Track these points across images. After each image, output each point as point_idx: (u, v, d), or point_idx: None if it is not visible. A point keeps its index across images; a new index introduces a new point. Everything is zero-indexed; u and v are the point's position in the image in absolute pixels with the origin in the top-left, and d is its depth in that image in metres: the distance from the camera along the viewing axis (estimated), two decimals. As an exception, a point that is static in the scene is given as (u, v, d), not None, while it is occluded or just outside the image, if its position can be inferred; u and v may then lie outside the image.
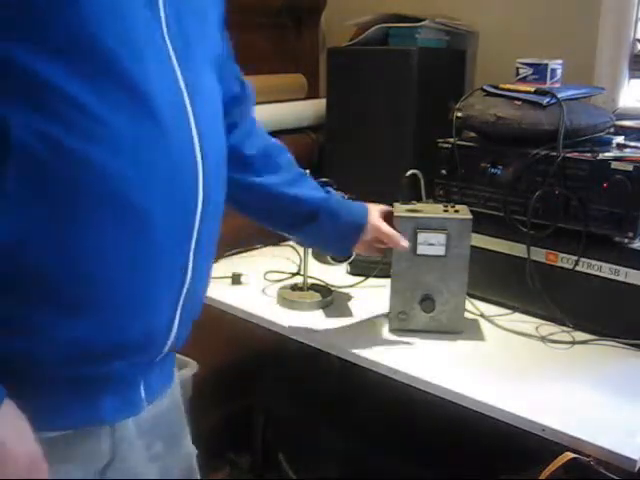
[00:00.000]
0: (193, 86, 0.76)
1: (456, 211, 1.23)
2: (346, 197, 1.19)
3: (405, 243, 1.16)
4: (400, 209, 1.23)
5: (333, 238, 1.16)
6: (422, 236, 1.19)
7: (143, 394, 0.83)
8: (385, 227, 1.16)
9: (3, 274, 0.67)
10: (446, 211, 1.22)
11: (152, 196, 0.71)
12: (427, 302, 1.22)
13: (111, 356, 0.75)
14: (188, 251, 0.78)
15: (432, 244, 1.19)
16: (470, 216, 1.21)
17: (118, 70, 0.68)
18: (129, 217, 0.70)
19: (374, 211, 1.18)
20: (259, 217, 1.16)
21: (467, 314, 1.33)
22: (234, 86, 1.01)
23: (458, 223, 1.19)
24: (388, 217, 1.19)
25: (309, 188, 1.13)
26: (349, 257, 1.31)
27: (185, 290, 0.79)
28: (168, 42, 0.74)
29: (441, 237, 1.19)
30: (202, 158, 0.76)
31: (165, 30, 0.74)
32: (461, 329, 1.24)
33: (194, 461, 1.00)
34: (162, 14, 0.74)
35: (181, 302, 0.79)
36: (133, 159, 0.70)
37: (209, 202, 0.78)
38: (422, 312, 1.22)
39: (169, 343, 0.81)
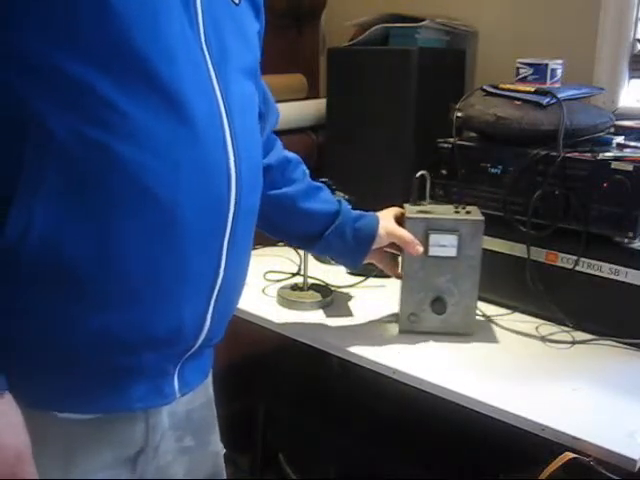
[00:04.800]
0: (229, 92, 0.78)
1: (467, 212, 1.22)
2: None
3: (421, 248, 1.17)
4: (411, 210, 1.23)
5: (343, 252, 1.19)
6: (433, 237, 1.18)
7: (176, 386, 0.84)
8: (400, 231, 1.18)
9: (38, 266, 0.69)
10: (457, 212, 1.22)
11: (182, 195, 0.73)
12: (438, 303, 1.21)
13: (141, 348, 0.76)
14: (220, 249, 0.79)
15: (444, 245, 1.18)
16: (482, 217, 1.20)
17: (153, 75, 0.70)
18: (158, 215, 0.72)
19: (387, 218, 1.20)
20: (273, 230, 1.17)
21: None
22: (259, 103, 1.01)
23: (470, 224, 1.19)
24: (402, 220, 1.21)
25: (321, 202, 1.16)
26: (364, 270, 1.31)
27: (218, 287, 0.80)
28: (205, 49, 0.76)
29: (453, 238, 1.18)
30: (235, 161, 0.78)
31: (202, 37, 0.76)
32: (472, 331, 1.23)
33: (221, 459, 1.03)
34: (200, 22, 0.76)
35: (214, 298, 0.81)
36: (164, 159, 0.71)
37: (242, 203, 0.80)
38: (433, 314, 1.22)
39: (201, 337, 0.82)
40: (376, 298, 1.41)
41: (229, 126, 0.77)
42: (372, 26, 1.75)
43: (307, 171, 1.18)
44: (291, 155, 1.17)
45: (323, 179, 1.35)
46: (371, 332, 1.26)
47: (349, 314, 1.35)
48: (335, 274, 1.52)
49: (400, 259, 1.25)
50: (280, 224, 1.15)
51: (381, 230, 1.18)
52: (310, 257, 1.42)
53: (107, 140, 0.68)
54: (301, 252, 1.47)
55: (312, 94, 2.04)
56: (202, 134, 0.74)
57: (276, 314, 1.35)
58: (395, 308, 1.27)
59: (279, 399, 1.77)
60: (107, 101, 0.68)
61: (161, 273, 0.74)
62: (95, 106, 0.68)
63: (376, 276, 1.48)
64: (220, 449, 1.03)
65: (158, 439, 0.87)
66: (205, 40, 0.76)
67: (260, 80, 1.00)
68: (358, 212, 1.19)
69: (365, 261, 1.22)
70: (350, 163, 1.77)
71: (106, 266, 0.71)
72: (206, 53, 0.76)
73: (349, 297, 1.44)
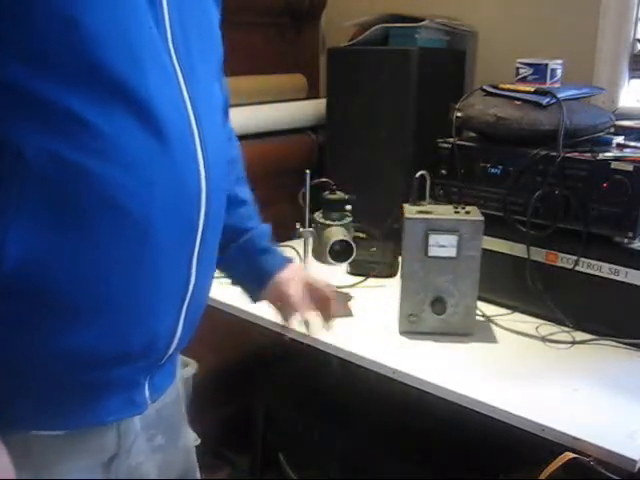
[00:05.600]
0: (198, 101, 0.77)
1: (467, 212, 1.22)
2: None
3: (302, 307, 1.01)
4: (410, 210, 1.23)
5: (244, 276, 1.05)
6: (433, 238, 1.18)
7: (147, 394, 0.84)
8: (294, 289, 1.01)
9: (12, 285, 0.68)
10: (457, 212, 1.22)
11: (154, 208, 0.72)
12: (438, 304, 1.21)
13: (115, 362, 0.76)
14: (191, 259, 0.79)
15: (443, 246, 1.18)
16: (481, 217, 1.20)
17: (123, 89, 0.69)
18: (130, 229, 0.71)
19: (295, 270, 1.05)
20: None
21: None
22: None
23: (470, 224, 1.19)
24: (312, 288, 1.04)
25: (236, 217, 1.01)
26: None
27: (189, 296, 0.80)
28: (174, 58, 0.74)
29: (452, 239, 1.18)
30: (205, 171, 0.77)
31: (171, 47, 0.74)
32: (472, 331, 1.23)
33: (193, 454, 1.02)
34: (168, 30, 0.74)
35: (185, 308, 0.80)
36: (136, 174, 0.70)
37: (211, 212, 0.79)
38: (432, 314, 1.22)
39: (173, 346, 0.82)
40: (376, 298, 1.41)
41: (198, 134, 0.76)
42: (372, 26, 1.75)
43: (241, 176, 1.04)
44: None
45: (323, 179, 1.35)
46: (371, 332, 1.26)
47: (349, 314, 1.35)
48: (335, 274, 1.52)
49: (400, 259, 1.25)
50: None
51: (289, 271, 1.03)
52: (310, 257, 1.41)
53: (78, 156, 0.67)
54: (301, 252, 1.47)
55: (312, 94, 2.04)
56: (173, 145, 0.73)
57: (276, 314, 1.34)
58: (395, 308, 1.27)
59: (279, 399, 1.77)
60: (76, 117, 0.67)
61: (135, 289, 0.73)
62: (65, 122, 0.67)
63: (376, 276, 1.48)
64: (192, 441, 1.02)
65: (130, 442, 0.86)
66: (174, 48, 0.74)
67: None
68: (276, 247, 1.06)
69: (264, 295, 1.04)
70: (350, 163, 1.77)
71: (81, 283, 0.70)
72: (175, 61, 0.74)
73: (349, 297, 1.44)
